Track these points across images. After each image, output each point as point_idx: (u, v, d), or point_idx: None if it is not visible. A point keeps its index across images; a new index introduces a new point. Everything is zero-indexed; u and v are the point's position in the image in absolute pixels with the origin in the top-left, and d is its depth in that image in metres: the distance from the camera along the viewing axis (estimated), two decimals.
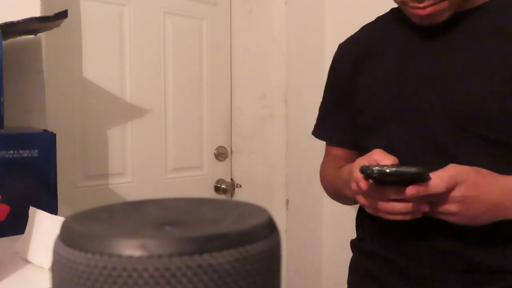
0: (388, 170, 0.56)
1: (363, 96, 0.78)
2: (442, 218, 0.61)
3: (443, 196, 0.58)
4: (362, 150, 0.74)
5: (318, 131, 0.92)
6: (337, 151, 0.88)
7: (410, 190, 0.57)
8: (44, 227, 0.60)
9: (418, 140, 0.70)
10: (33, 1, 0.98)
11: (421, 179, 0.56)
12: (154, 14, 1.41)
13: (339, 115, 0.86)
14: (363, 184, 0.60)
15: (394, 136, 0.72)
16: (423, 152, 0.70)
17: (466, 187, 0.57)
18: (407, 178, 0.57)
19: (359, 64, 0.80)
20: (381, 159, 0.62)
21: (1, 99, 0.77)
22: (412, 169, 0.56)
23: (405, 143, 0.71)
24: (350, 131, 0.82)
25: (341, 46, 0.87)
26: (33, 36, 0.98)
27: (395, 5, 0.73)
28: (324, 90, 0.91)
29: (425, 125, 0.69)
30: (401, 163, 0.62)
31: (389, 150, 0.64)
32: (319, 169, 0.91)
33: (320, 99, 0.91)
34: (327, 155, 0.92)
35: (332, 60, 0.88)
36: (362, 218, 0.83)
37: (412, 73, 0.72)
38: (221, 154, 1.60)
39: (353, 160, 0.69)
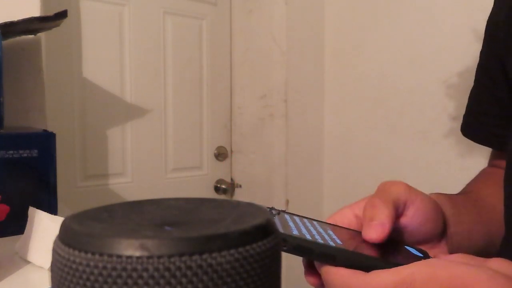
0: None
1: None
2: None
3: None
4: None
5: (465, 127, 0.59)
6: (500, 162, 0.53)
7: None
8: (44, 227, 0.60)
9: None
10: (33, 1, 0.98)
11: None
12: (154, 14, 1.41)
13: (495, 93, 0.53)
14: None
15: None
16: None
17: None
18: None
19: None
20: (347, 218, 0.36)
21: (1, 99, 0.76)
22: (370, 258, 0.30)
23: None
24: None
25: None
26: (33, 36, 0.98)
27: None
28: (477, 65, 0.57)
29: None
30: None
31: None
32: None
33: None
34: (489, 167, 0.59)
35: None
36: None
37: None
38: (221, 154, 1.59)
39: None
